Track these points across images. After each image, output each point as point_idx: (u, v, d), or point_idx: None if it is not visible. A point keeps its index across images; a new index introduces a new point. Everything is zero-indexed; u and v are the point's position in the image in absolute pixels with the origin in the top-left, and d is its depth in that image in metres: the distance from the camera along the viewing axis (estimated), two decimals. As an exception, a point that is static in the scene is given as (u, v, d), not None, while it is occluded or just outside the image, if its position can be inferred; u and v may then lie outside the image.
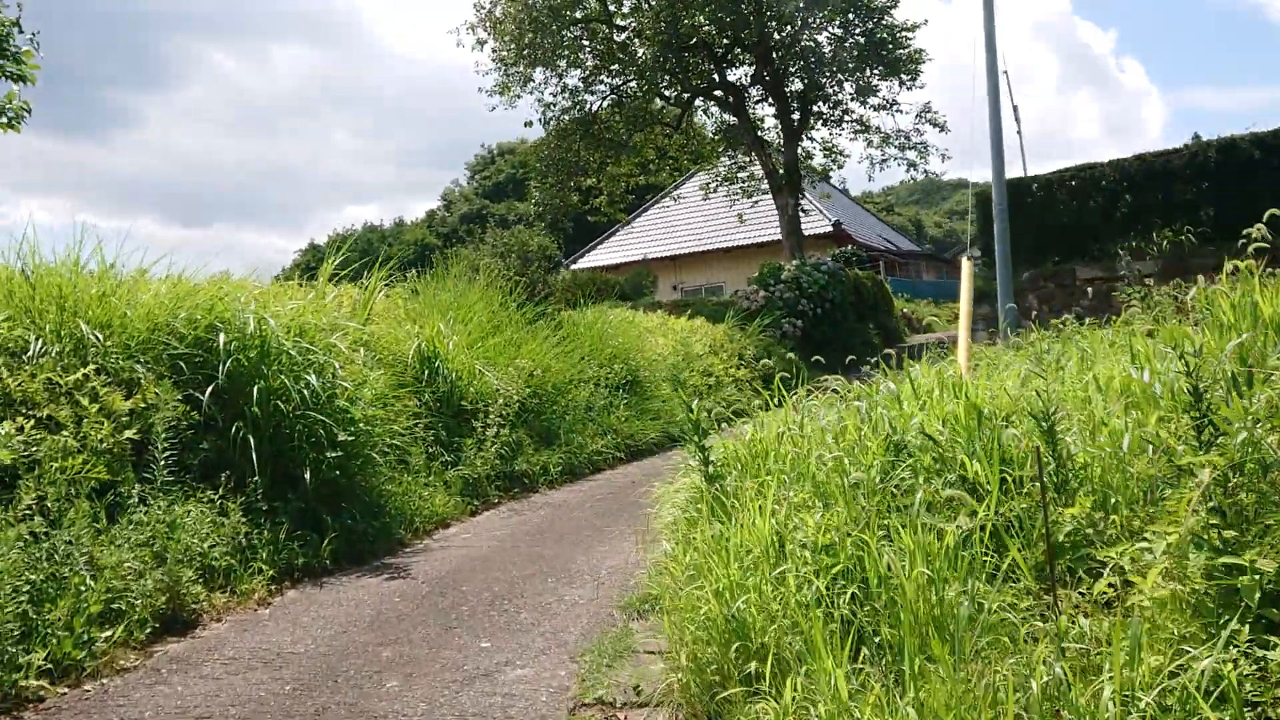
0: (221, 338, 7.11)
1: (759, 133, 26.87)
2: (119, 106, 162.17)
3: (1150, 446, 3.79)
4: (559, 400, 10.99)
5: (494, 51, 24.65)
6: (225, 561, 6.15)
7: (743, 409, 15.26)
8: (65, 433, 5.95)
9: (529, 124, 25.73)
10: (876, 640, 3.42)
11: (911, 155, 27.10)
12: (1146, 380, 4.43)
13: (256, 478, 6.75)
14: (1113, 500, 3.73)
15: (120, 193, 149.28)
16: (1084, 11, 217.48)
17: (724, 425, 7.62)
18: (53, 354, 6.44)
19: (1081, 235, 17.55)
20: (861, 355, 24.21)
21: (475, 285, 11.87)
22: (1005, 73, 11.18)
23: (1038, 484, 3.80)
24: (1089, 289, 17.24)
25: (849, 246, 36.40)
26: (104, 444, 6.07)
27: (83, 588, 5.04)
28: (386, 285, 10.89)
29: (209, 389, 6.95)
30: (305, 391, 7.22)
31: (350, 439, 7.32)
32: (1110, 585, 3.25)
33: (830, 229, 36.54)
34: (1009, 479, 4.02)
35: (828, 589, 3.68)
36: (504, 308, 11.85)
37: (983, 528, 3.81)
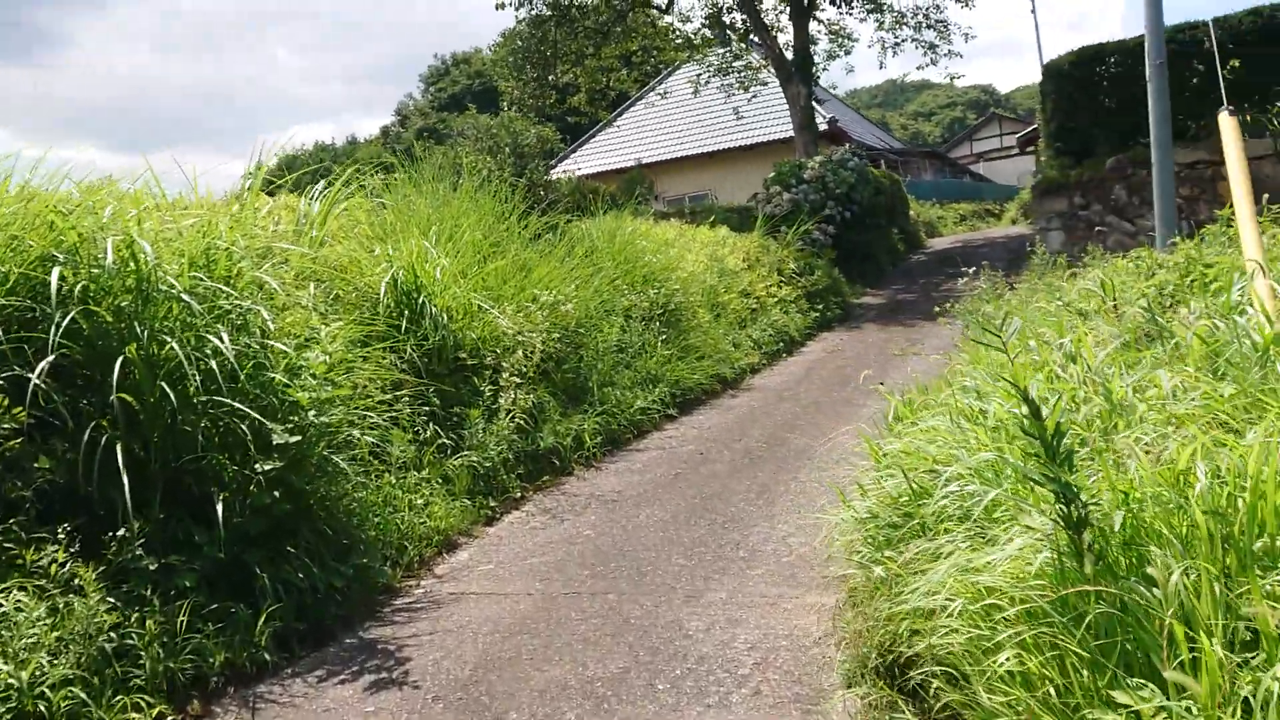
0: (56, 275, 4.14)
1: (759, 14, 23.51)
2: (44, 27, 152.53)
3: None
4: (585, 342, 8.11)
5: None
6: (63, 698, 3.31)
7: (793, 337, 12.50)
8: None
9: (500, 7, 22.12)
10: None
11: (930, 35, 24.06)
12: None
13: (131, 521, 3.89)
14: None
15: (58, 120, 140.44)
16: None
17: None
18: None
19: (1175, 112, 14.69)
20: (886, 263, 21.44)
21: (461, 190, 8.81)
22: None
23: None
24: (1188, 174, 14.49)
25: (847, 145, 33.27)
26: None
27: None
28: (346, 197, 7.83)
29: (42, 364, 4.02)
30: (213, 362, 4.31)
31: (294, 437, 4.43)
32: None
33: (826, 127, 33.32)
34: None
35: None
36: (501, 220, 8.84)
37: None
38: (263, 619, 4.04)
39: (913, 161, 39.90)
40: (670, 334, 9.65)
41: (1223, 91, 6.53)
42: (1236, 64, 14.72)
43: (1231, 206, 7.35)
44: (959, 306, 10.57)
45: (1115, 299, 5.42)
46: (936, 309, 11.32)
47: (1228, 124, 5.65)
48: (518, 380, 6.72)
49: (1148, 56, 9.03)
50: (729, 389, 9.81)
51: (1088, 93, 15.11)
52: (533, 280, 8.06)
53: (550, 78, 23.14)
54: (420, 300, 6.73)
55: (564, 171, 19.50)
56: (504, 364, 6.78)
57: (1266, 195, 6.49)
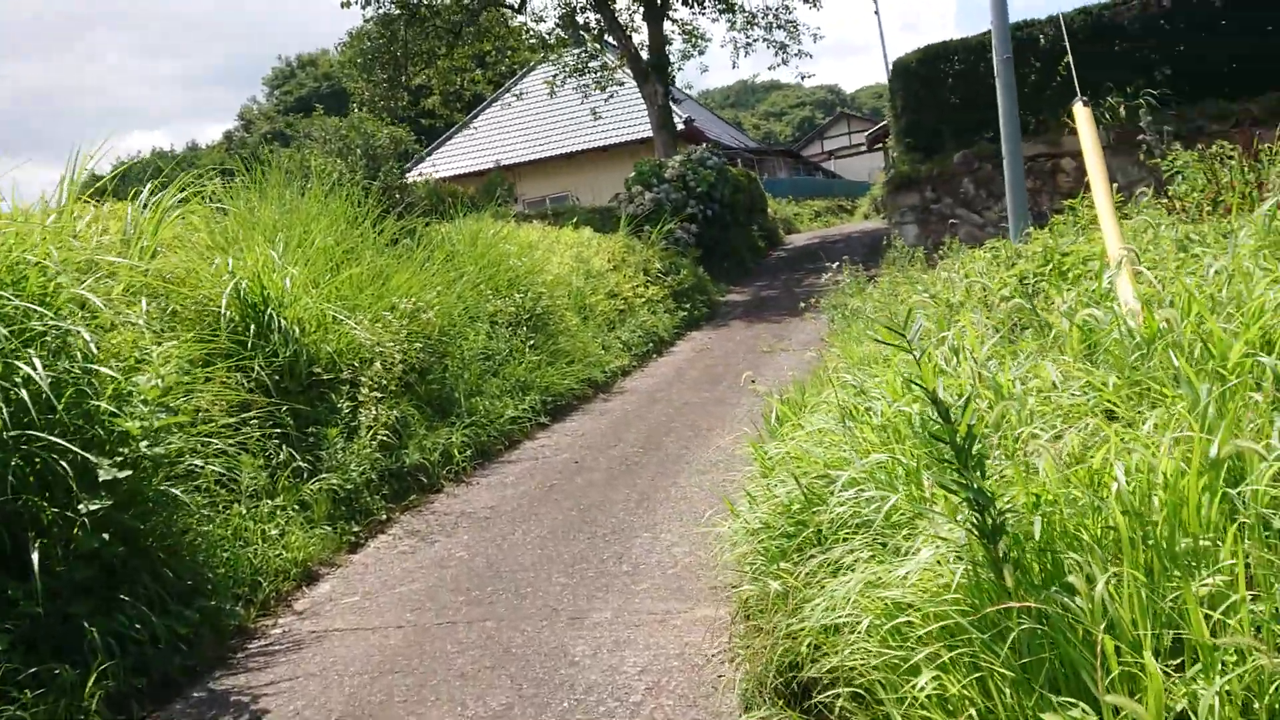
0: None
1: (613, 14, 23.42)
2: None
3: None
4: (450, 351, 7.75)
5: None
6: None
7: (662, 337, 12.38)
8: None
9: (346, 5, 21.30)
10: None
11: (780, 35, 24.52)
12: None
13: (-73, 579, 3.38)
14: None
15: None
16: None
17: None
18: None
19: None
20: (748, 261, 21.64)
21: (310, 195, 8.30)
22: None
23: None
24: (1029, 167, 15.09)
25: (704, 145, 33.58)
26: None
27: None
28: (181, 202, 7.20)
29: None
30: (24, 391, 3.81)
31: (123, 471, 3.97)
32: None
33: (683, 126, 33.53)
34: None
35: None
36: (355, 225, 8.36)
37: None
38: (93, 679, 3.58)
39: (768, 160, 40.67)
40: (539, 339, 9.37)
41: (1076, 84, 6.70)
42: (1070, 60, 15.43)
43: (1080, 196, 7.61)
44: (824, 301, 10.67)
45: (986, 291, 5.46)
46: (801, 304, 11.42)
47: (1083, 114, 5.78)
48: (378, 394, 6.33)
49: (995, 52, 9.30)
50: (601, 393, 9.60)
51: (934, 90, 15.56)
52: (391, 288, 7.65)
53: (402, 78, 22.44)
54: (268, 313, 6.25)
55: (420, 174, 18.91)
56: (363, 377, 6.37)
57: (1116, 184, 6.69)
